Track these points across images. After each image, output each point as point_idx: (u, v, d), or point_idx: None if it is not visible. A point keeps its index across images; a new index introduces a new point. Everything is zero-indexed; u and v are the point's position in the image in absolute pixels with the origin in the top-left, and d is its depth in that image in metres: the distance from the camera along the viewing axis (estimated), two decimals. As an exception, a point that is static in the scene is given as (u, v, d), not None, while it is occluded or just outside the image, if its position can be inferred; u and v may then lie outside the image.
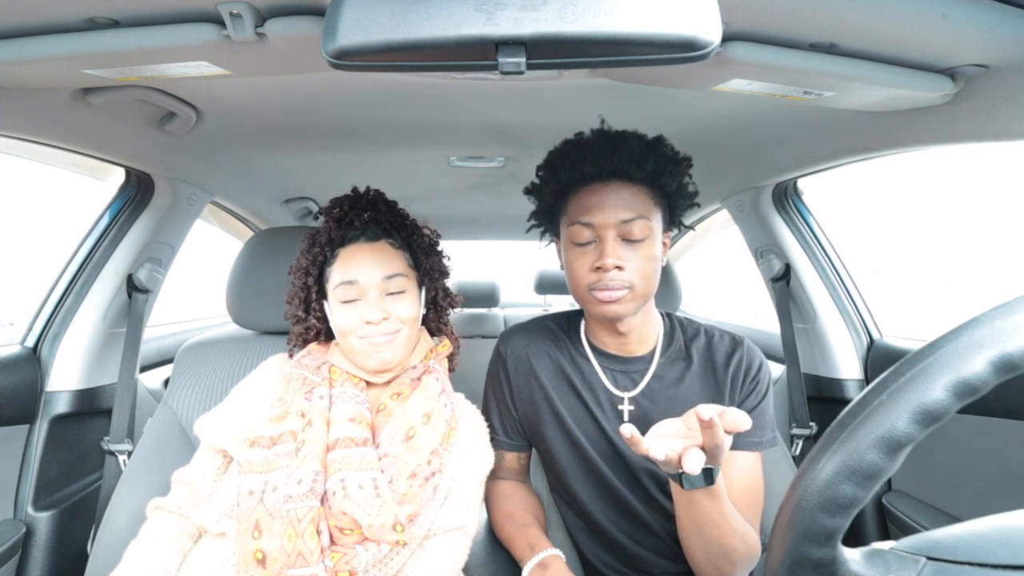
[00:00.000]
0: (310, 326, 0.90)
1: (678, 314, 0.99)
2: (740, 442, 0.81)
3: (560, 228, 0.87)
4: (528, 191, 0.92)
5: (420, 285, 0.90)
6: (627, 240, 0.79)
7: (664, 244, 0.86)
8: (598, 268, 0.78)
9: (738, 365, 0.87)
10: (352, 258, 0.84)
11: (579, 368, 0.91)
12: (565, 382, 0.91)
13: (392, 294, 0.84)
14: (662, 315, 0.94)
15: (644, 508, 0.87)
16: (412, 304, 0.85)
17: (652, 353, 0.89)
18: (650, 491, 0.87)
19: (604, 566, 0.92)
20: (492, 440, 0.92)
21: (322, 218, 0.90)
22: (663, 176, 0.81)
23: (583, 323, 0.95)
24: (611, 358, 0.90)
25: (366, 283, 0.82)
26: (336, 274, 0.84)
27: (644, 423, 0.82)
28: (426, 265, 0.91)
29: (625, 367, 0.89)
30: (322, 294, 0.89)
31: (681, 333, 0.92)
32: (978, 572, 0.31)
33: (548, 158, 0.87)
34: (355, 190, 0.91)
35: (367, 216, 0.89)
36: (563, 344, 0.94)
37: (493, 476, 0.88)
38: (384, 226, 0.89)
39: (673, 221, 0.88)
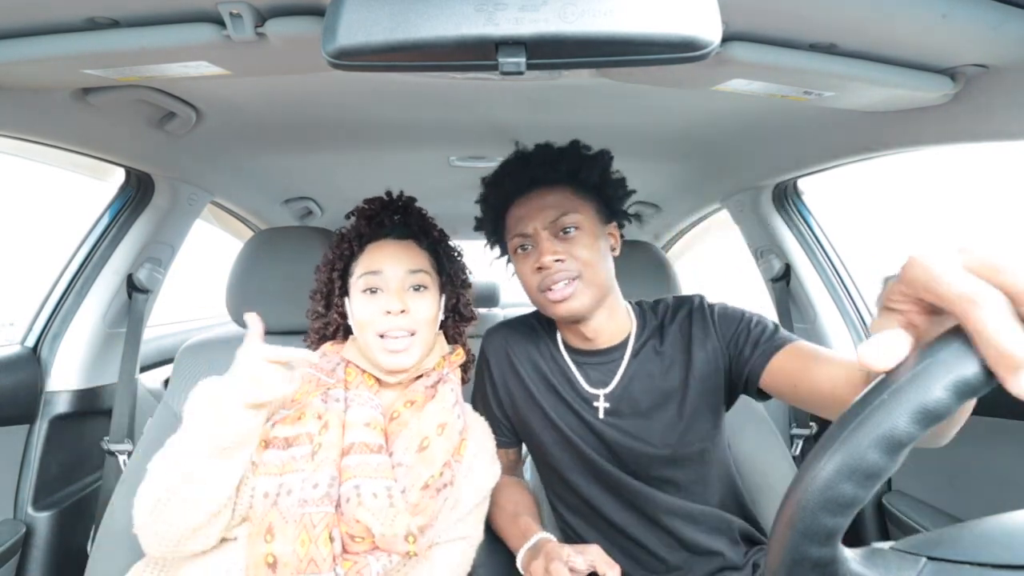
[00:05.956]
0: (329, 321, 0.91)
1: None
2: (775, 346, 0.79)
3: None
4: (476, 228, 0.97)
5: (441, 291, 0.91)
6: (561, 236, 0.83)
7: (611, 235, 0.90)
8: (539, 268, 0.82)
9: (694, 317, 0.88)
10: (379, 251, 0.85)
11: (557, 364, 0.93)
12: (543, 380, 0.93)
13: (414, 291, 0.84)
14: (633, 305, 0.95)
15: (640, 489, 0.87)
16: (431, 304, 0.85)
17: (624, 343, 0.90)
18: (644, 472, 0.87)
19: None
20: None
21: (353, 218, 0.92)
22: (581, 172, 0.86)
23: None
24: (583, 353, 0.91)
25: (390, 274, 0.83)
26: (361, 266, 0.85)
27: (619, 417, 0.87)
28: (449, 270, 0.92)
29: (599, 360, 0.90)
30: (344, 291, 0.89)
31: (652, 316, 0.93)
32: (978, 572, 0.30)
33: (482, 192, 0.93)
34: (388, 194, 0.93)
35: (397, 218, 0.91)
36: (542, 341, 0.96)
37: None
38: (413, 228, 0.90)
39: (612, 211, 0.91)
